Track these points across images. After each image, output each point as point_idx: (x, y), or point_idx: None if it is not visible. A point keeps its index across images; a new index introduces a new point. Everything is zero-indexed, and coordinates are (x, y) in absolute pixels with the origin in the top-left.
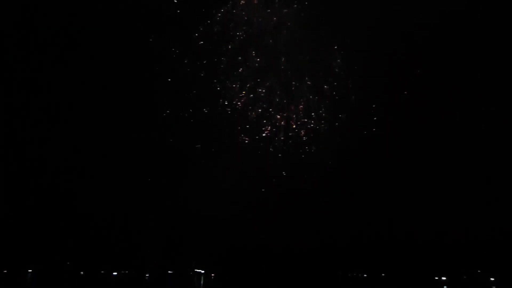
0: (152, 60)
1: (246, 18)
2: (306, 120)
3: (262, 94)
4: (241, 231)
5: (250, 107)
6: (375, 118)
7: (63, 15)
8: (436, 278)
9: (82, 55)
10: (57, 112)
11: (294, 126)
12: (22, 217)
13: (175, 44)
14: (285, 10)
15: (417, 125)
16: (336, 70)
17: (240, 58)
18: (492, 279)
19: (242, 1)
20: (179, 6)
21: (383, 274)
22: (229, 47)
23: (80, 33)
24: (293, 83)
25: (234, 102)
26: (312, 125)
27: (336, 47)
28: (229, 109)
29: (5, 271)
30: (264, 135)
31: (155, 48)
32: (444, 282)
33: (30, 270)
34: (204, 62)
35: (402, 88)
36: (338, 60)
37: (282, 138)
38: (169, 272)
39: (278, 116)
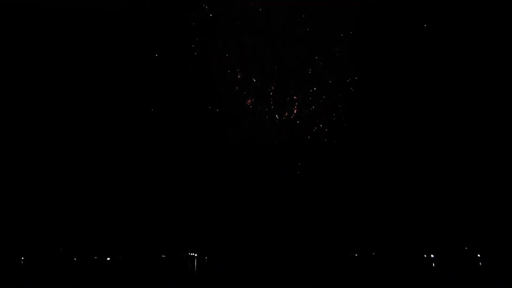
0: (142, 46)
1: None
2: (303, 108)
3: (257, 82)
4: (234, 214)
5: (244, 94)
6: (375, 105)
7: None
8: (425, 256)
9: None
10: (44, 101)
11: (292, 116)
12: (12, 205)
13: (166, 28)
14: None
15: (417, 114)
16: (336, 55)
17: (233, 42)
18: (478, 255)
19: None
20: None
21: (373, 253)
22: (222, 30)
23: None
24: (290, 69)
25: (227, 90)
26: (309, 113)
27: (337, 32)
28: (222, 96)
29: None
30: (259, 123)
31: (144, 33)
32: (432, 260)
33: (23, 258)
34: (196, 47)
35: (404, 76)
36: (339, 45)
37: (277, 125)
38: (162, 256)
39: (274, 104)
